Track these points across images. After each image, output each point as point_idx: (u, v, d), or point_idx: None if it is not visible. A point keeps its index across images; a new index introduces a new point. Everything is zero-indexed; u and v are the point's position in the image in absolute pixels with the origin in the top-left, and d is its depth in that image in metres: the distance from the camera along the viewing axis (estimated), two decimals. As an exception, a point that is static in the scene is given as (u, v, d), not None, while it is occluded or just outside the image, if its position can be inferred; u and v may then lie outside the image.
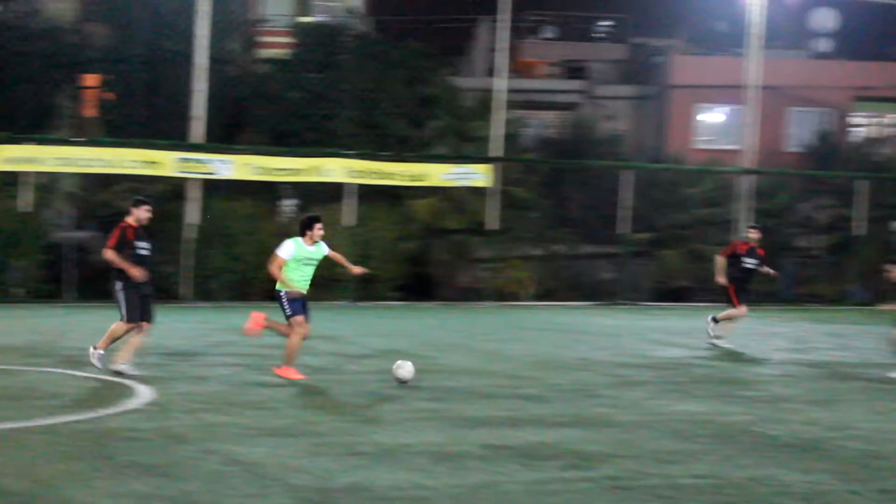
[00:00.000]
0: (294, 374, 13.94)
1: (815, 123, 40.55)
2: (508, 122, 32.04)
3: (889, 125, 42.89)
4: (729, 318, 19.54)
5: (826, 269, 34.13)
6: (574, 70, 43.69)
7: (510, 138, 32.07)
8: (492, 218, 30.72)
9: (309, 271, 14.08)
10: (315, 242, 14.02)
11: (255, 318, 14.28)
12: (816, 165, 37.55)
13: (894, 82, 40.86)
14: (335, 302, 27.20)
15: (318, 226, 14.09)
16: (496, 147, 31.06)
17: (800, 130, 40.49)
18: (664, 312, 28.02)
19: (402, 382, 13.53)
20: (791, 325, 19.71)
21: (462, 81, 36.22)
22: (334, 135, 31.55)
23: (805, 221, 35.98)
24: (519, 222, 31.73)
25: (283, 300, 13.90)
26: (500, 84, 31.48)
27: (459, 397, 12.80)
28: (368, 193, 29.47)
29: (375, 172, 29.38)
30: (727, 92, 37.07)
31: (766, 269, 19.74)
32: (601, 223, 32.39)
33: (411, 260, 30.18)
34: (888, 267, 16.85)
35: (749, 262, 19.47)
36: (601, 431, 10.87)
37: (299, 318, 13.87)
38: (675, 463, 9.50)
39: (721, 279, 19.41)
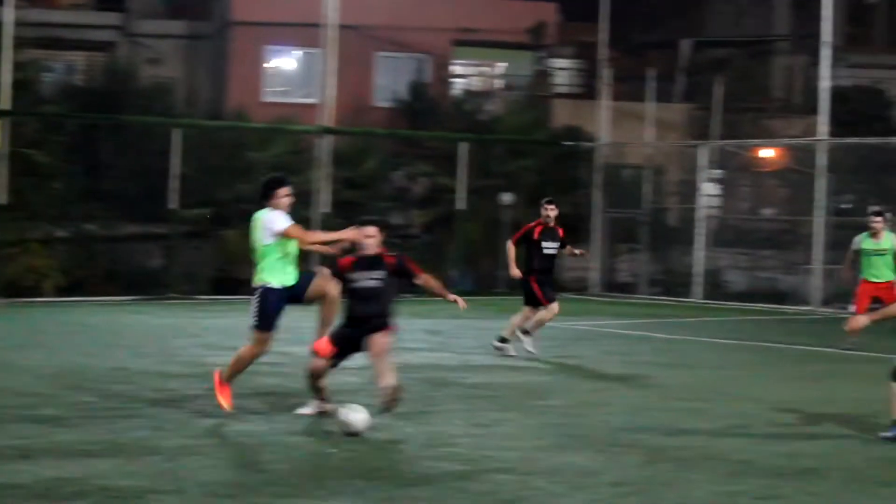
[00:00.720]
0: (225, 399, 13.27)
1: (409, 72, 41.63)
2: (21, 66, 31.27)
3: (494, 76, 44.65)
4: (542, 324, 19.84)
5: (424, 251, 35.21)
6: (108, 0, 43.07)
7: (24, 86, 31.29)
8: None
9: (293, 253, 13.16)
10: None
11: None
12: (410, 124, 38.64)
13: (500, 22, 42.24)
14: None
15: (285, 191, 12.99)
16: (4, 97, 30.25)
17: (390, 81, 41.43)
18: (226, 308, 28.15)
19: (351, 434, 12.17)
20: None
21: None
22: None
23: (398, 193, 37.01)
24: (37, 195, 31.05)
25: (268, 299, 12.96)
26: (9, 15, 30.63)
27: (-50, 425, 12.51)
28: None
29: None
30: (303, 32, 37.37)
31: (570, 249, 20.45)
32: (146, 196, 32.11)
33: None
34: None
35: (550, 247, 19.83)
36: (140, 461, 10.85)
37: (269, 334, 13.10)
38: (232, 498, 9.57)
39: (515, 272, 19.68)
